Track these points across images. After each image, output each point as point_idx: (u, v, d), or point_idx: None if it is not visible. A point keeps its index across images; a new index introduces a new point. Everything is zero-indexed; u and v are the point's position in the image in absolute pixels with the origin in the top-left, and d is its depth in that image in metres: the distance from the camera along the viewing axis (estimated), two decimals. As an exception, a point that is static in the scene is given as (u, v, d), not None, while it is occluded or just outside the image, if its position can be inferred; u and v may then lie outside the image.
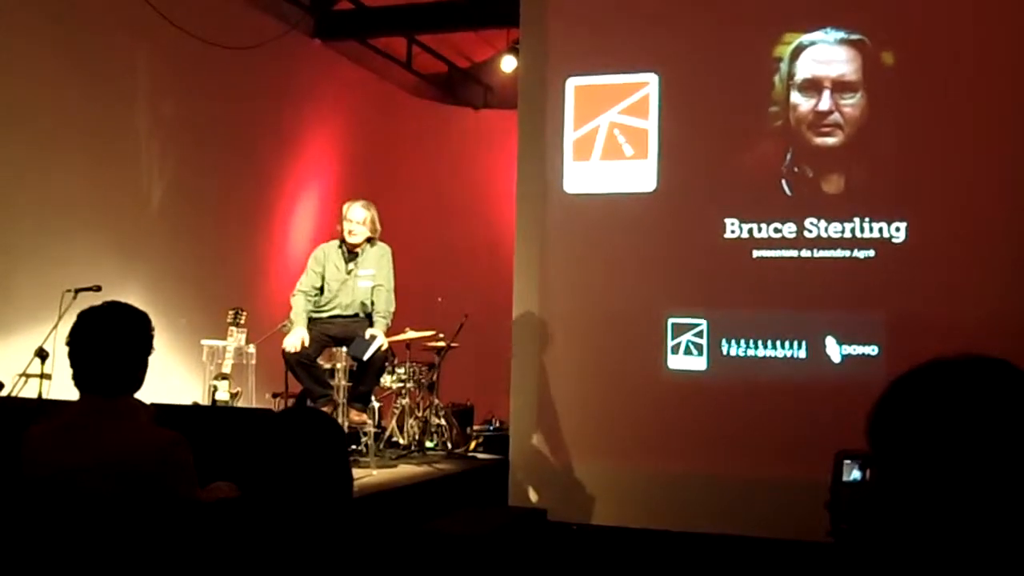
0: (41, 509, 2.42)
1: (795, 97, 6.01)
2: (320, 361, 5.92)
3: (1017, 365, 1.16)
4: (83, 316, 2.50)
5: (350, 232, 5.91)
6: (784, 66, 6.03)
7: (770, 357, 5.89)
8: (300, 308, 5.88)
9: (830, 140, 5.95)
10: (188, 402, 6.05)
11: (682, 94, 6.22)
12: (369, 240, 6.05)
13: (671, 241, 6.18)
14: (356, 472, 5.72)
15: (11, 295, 6.10)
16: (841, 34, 5.93)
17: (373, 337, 5.75)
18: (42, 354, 5.35)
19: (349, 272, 5.97)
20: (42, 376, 5.37)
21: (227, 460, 3.64)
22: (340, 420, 5.69)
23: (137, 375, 2.51)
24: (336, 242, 6.05)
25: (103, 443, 2.39)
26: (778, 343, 5.85)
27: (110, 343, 2.46)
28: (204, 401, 6.04)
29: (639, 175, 6.26)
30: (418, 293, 8.34)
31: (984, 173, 5.65)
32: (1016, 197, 5.58)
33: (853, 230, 5.83)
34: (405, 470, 6.17)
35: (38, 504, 2.43)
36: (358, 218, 5.91)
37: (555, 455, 6.33)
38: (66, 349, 2.50)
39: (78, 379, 2.47)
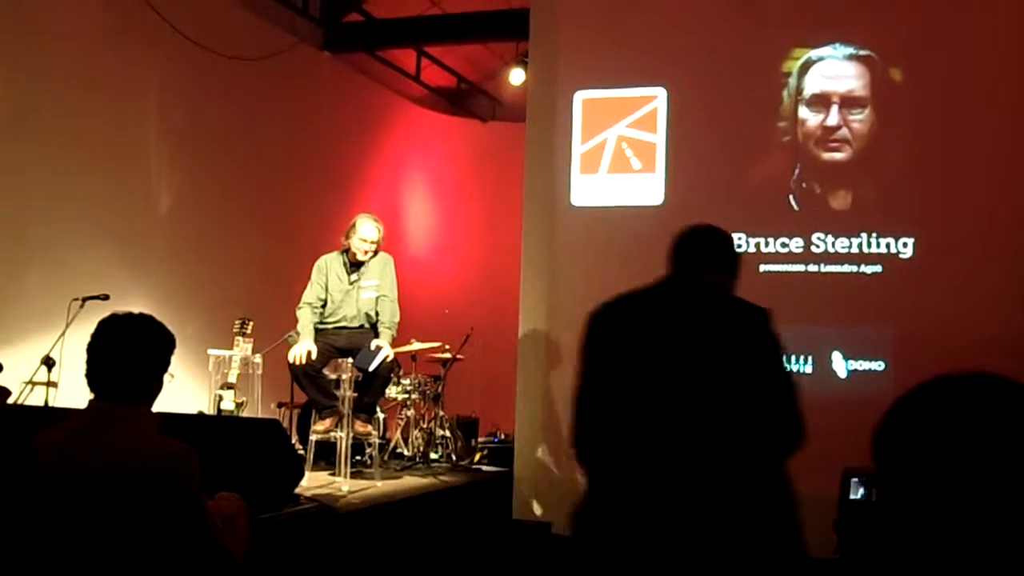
0: (49, 515, 2.42)
1: (803, 112, 6.02)
2: (325, 372, 5.92)
3: (1024, 383, 1.16)
4: (111, 319, 2.52)
5: (364, 252, 5.90)
6: (792, 81, 6.04)
7: (776, 372, 5.87)
8: (306, 320, 5.88)
9: (838, 155, 5.95)
10: (193, 411, 6.06)
11: (690, 108, 6.23)
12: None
13: (678, 255, 6.17)
14: (361, 483, 5.73)
15: (19, 303, 6.12)
16: (850, 50, 5.94)
17: (379, 348, 5.75)
18: (49, 362, 5.36)
19: (352, 283, 5.97)
20: (48, 384, 5.38)
21: (232, 470, 3.64)
22: (345, 431, 5.69)
23: (150, 386, 2.52)
24: (338, 253, 6.05)
25: (111, 451, 2.39)
26: (784, 357, 5.84)
27: (132, 348, 2.47)
28: (209, 410, 6.04)
29: (647, 188, 6.27)
30: (424, 305, 8.34)
31: (992, 189, 5.64)
32: (1024, 214, 5.57)
33: (860, 245, 5.83)
34: (409, 482, 6.17)
35: (46, 510, 2.43)
36: (372, 237, 5.89)
37: (560, 468, 6.31)
38: (85, 349, 2.50)
39: (92, 380, 2.48)
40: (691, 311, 2.74)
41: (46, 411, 5.00)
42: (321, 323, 5.97)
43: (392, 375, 6.45)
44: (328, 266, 6.02)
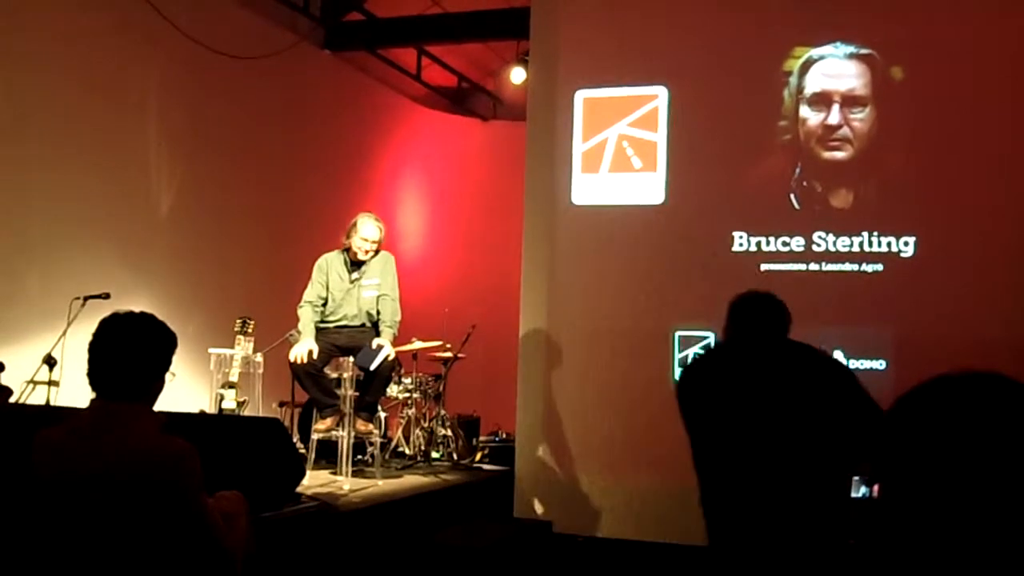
0: (50, 514, 2.43)
1: (804, 111, 6.02)
2: (327, 371, 5.92)
3: (1026, 381, 1.16)
4: (113, 318, 2.52)
5: (366, 252, 5.90)
6: (793, 80, 6.03)
7: (777, 371, 5.87)
8: (308, 319, 5.88)
9: (839, 154, 5.95)
10: (195, 410, 6.06)
11: (691, 107, 6.23)
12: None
13: (679, 254, 6.18)
14: (362, 482, 5.73)
15: (20, 302, 6.12)
16: (851, 48, 5.94)
17: (380, 347, 5.75)
18: (50, 361, 5.36)
19: (353, 282, 5.97)
20: (50, 383, 5.38)
21: (233, 469, 3.65)
22: (346, 430, 5.70)
23: (152, 385, 2.52)
24: (339, 252, 6.04)
25: (112, 450, 2.40)
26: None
27: (134, 347, 2.47)
28: (211, 409, 6.04)
29: (647, 187, 6.27)
30: (425, 304, 8.34)
31: (993, 188, 5.64)
32: (1025, 212, 5.57)
33: (861, 244, 5.83)
34: (410, 480, 6.17)
35: (48, 509, 2.43)
36: (373, 236, 5.89)
37: (561, 467, 6.32)
38: (87, 348, 2.50)
39: (93, 379, 2.48)
40: (784, 366, 3.06)
41: (47, 410, 5.00)
42: (322, 322, 5.97)
43: (393, 374, 6.44)
44: (329, 265, 6.02)
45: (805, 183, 6.00)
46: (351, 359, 5.78)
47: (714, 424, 3.04)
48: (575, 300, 6.37)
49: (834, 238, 5.87)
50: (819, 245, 5.89)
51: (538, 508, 6.33)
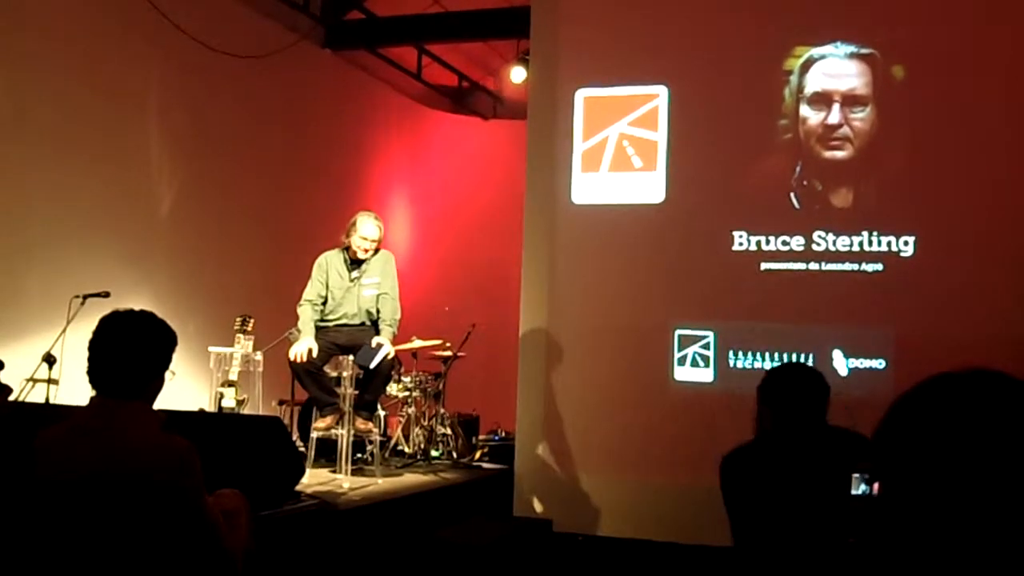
0: (51, 513, 2.43)
1: (805, 110, 6.02)
2: (327, 369, 5.92)
3: (1025, 379, 1.16)
4: (113, 316, 2.52)
5: (365, 250, 5.90)
6: (794, 79, 6.03)
7: (777, 370, 5.87)
8: (307, 318, 5.88)
9: (839, 154, 5.95)
10: (195, 409, 6.06)
11: (691, 106, 6.23)
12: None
13: (679, 253, 6.18)
14: (361, 480, 5.74)
15: (20, 300, 6.12)
16: (851, 48, 5.94)
17: (379, 346, 5.75)
18: (50, 359, 5.36)
19: (353, 280, 5.97)
20: (49, 381, 5.38)
21: (233, 467, 3.65)
22: (346, 428, 5.70)
23: (152, 384, 2.52)
24: (338, 251, 6.04)
25: (112, 448, 2.40)
26: (785, 356, 5.84)
27: (134, 345, 2.48)
28: (210, 408, 6.04)
29: (648, 187, 6.27)
30: (425, 302, 8.35)
31: (993, 187, 5.64)
32: (1025, 212, 5.56)
33: (861, 243, 5.82)
34: (410, 479, 6.18)
35: (48, 508, 2.43)
36: (372, 235, 5.89)
37: (561, 465, 6.32)
38: (87, 346, 2.50)
39: (93, 377, 2.48)
40: (828, 462, 3.11)
41: (47, 408, 5.00)
42: (322, 320, 5.97)
43: (393, 372, 6.45)
44: (329, 263, 6.02)
45: (805, 182, 6.00)
46: (351, 357, 5.79)
47: (760, 521, 3.10)
48: (575, 299, 6.37)
49: (834, 237, 5.87)
50: (819, 244, 5.89)
51: (538, 507, 6.33)
